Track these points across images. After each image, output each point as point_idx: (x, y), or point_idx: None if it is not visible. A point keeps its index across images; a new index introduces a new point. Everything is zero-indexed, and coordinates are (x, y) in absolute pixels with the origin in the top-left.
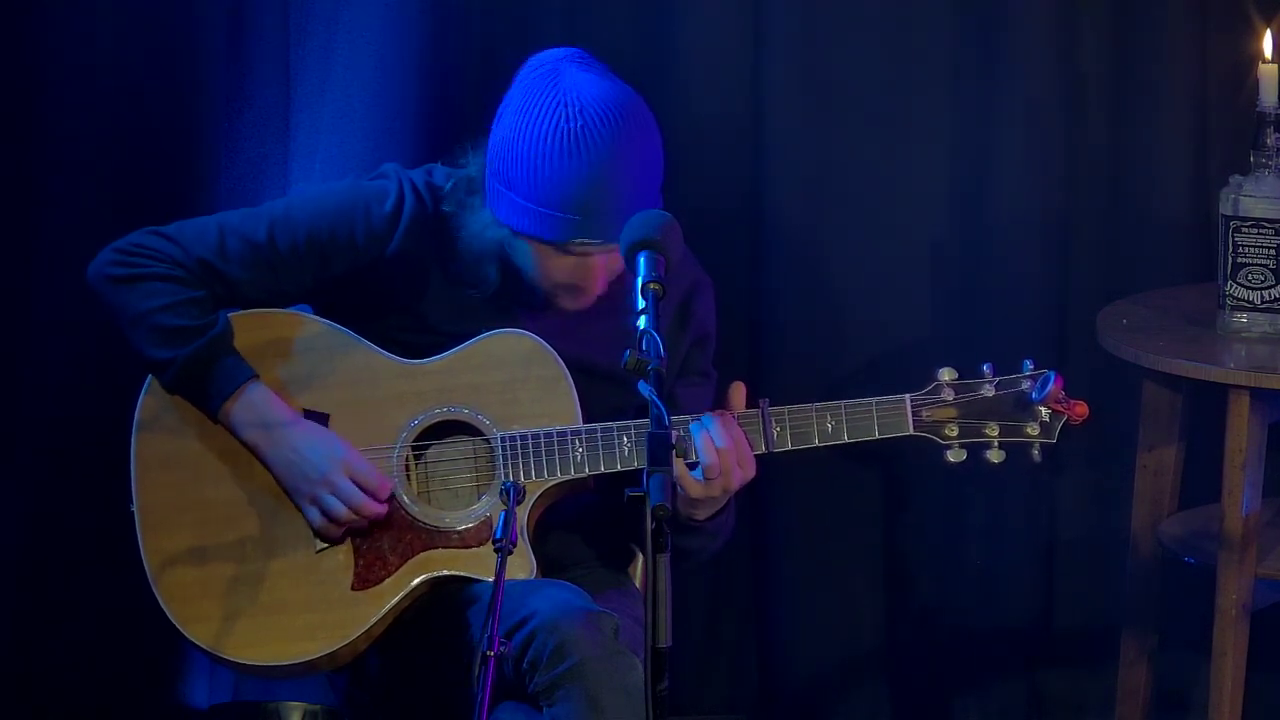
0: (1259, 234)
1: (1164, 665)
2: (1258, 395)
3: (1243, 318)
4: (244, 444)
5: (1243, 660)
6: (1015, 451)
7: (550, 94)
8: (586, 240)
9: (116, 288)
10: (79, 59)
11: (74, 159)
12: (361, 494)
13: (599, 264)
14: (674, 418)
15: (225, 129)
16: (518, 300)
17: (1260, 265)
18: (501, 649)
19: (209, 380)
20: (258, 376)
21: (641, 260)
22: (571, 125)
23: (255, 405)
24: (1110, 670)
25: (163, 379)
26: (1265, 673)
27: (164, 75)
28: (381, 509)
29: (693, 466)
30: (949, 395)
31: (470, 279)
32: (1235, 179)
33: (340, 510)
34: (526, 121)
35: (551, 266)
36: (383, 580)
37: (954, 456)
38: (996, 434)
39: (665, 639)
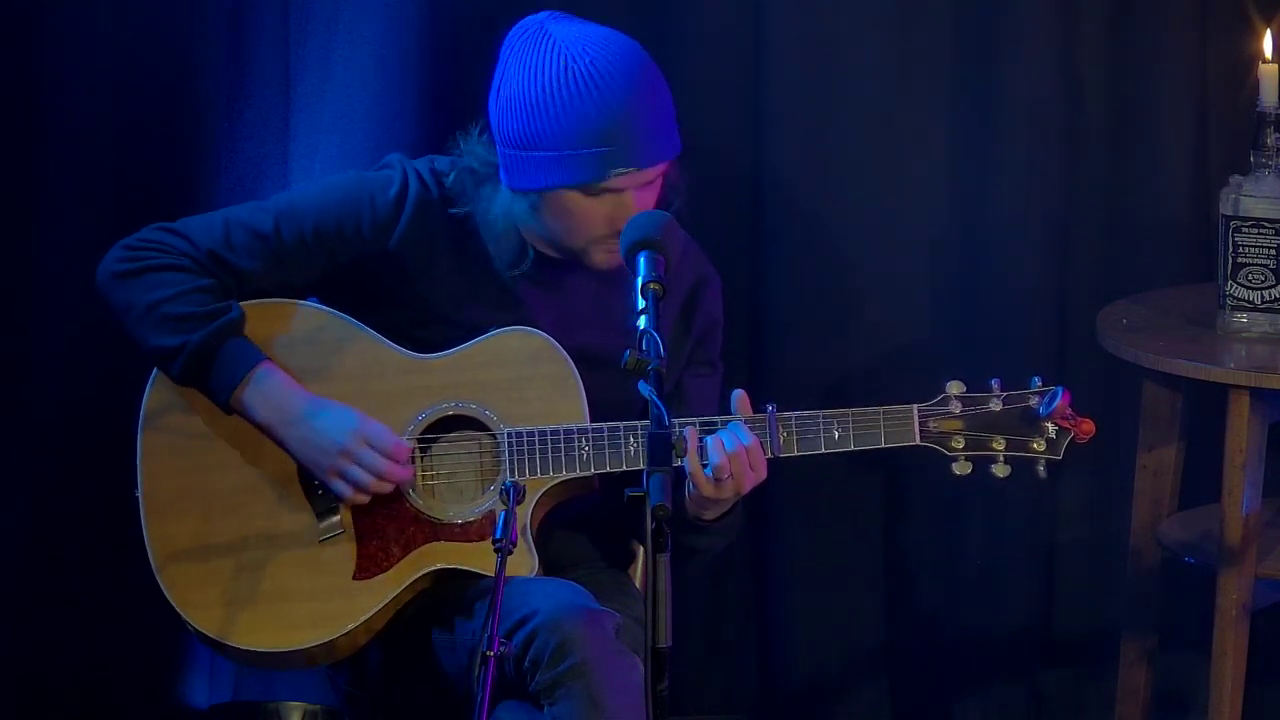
0: (1259, 234)
1: (1164, 666)
2: (1258, 395)
3: (1243, 318)
4: (259, 427)
5: (1243, 660)
6: (1021, 467)
7: (547, 47)
8: (623, 169)
9: (124, 282)
10: (79, 59)
11: (74, 159)
12: (383, 460)
13: (633, 204)
14: (683, 418)
15: (225, 129)
16: (541, 279)
17: (1260, 265)
18: (502, 648)
19: (218, 366)
20: (268, 360)
21: (641, 260)
22: (579, 64)
23: (267, 388)
24: (1110, 671)
25: (171, 368)
26: (1265, 673)
27: (164, 75)
28: (406, 472)
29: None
30: (956, 408)
31: (507, 261)
32: (1235, 179)
33: (365, 479)
34: (532, 78)
35: (589, 217)
36: (384, 571)
37: (959, 469)
38: (1002, 448)
39: (665, 639)
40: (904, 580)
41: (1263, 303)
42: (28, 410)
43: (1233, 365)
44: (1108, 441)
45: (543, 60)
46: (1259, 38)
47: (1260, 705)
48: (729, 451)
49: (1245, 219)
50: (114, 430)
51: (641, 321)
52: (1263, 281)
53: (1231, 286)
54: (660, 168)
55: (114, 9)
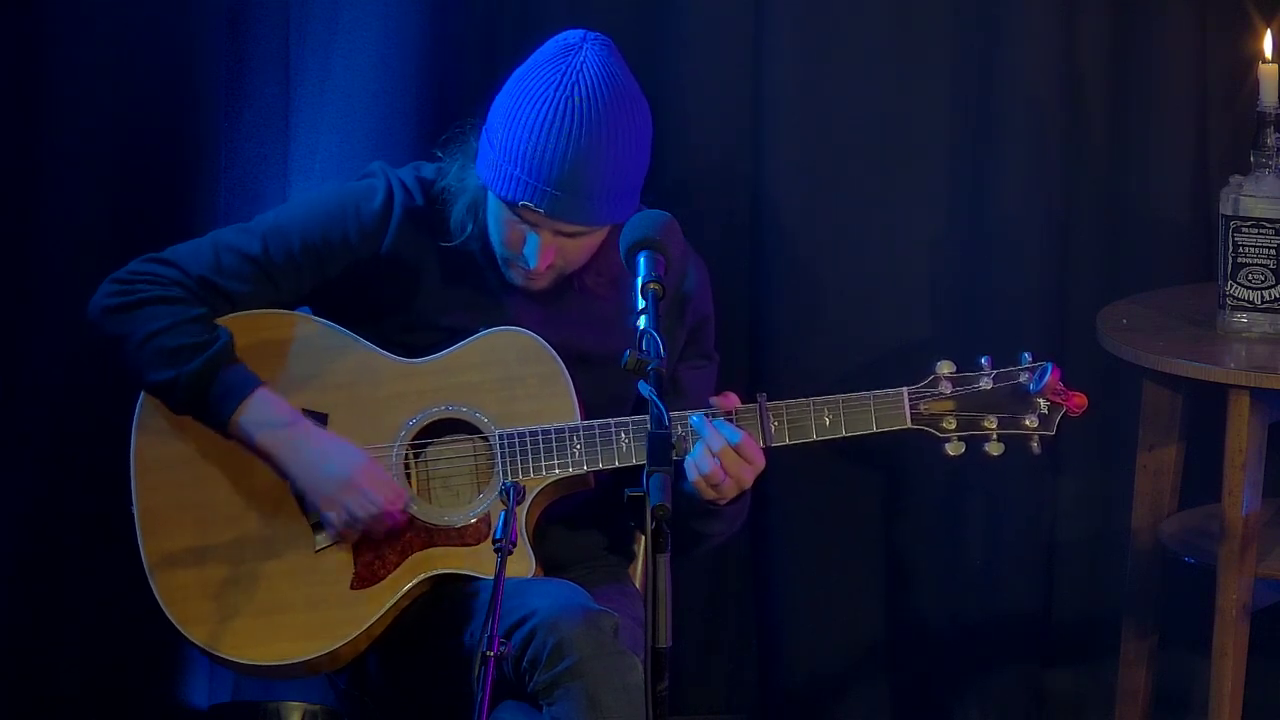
0: (1259, 234)
1: (1164, 665)
2: (1258, 395)
3: (1243, 318)
4: (258, 451)
5: (1243, 660)
6: (1014, 444)
7: (566, 64)
8: (531, 205)
9: (116, 316)
10: (79, 59)
11: (74, 160)
12: (384, 499)
13: (542, 243)
14: (676, 413)
15: (225, 129)
16: (489, 266)
17: (1260, 265)
18: (501, 649)
19: (215, 393)
20: (264, 384)
21: (641, 260)
22: (569, 95)
23: (266, 412)
24: (1110, 670)
25: (170, 400)
26: (1265, 673)
27: (164, 75)
28: (403, 518)
29: None
30: (946, 388)
31: (454, 228)
32: (1235, 179)
33: (361, 513)
34: (527, 77)
35: (506, 232)
36: (382, 579)
37: (952, 449)
38: (994, 426)
39: (665, 639)
40: (904, 580)
41: (1263, 303)
42: (28, 410)
43: (1233, 365)
44: (1108, 441)
45: (552, 72)
46: (1259, 38)
47: (1260, 705)
48: (716, 452)
49: (1245, 219)
50: (113, 431)
51: (641, 321)
52: (1263, 281)
53: (1231, 286)
54: (578, 228)
55: (114, 9)
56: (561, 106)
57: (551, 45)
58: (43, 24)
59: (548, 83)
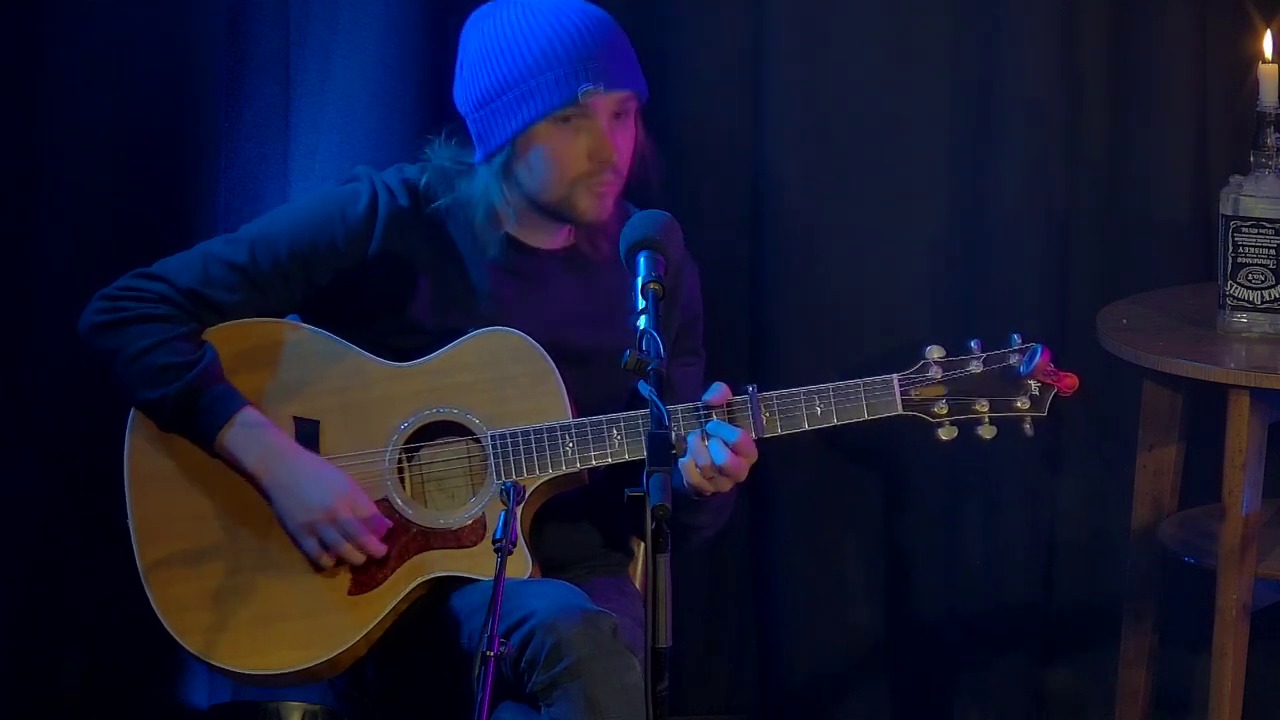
0: (1259, 234)
1: (1164, 665)
2: (1258, 395)
3: (1243, 318)
4: (244, 473)
5: (1243, 660)
6: (1007, 427)
7: (503, 5)
8: (590, 86)
9: (105, 333)
10: (79, 59)
11: (74, 160)
12: (363, 528)
13: (608, 136)
14: (672, 406)
15: (225, 129)
16: (520, 274)
17: (1260, 265)
18: (501, 649)
19: (201, 412)
20: (251, 404)
21: (641, 260)
22: (528, 5)
23: (252, 432)
24: (1110, 670)
25: (159, 419)
26: (1265, 673)
27: (164, 75)
28: (380, 548)
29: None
30: (937, 373)
31: (483, 244)
32: (1235, 179)
33: (340, 543)
34: (493, 30)
35: (566, 153)
36: (380, 584)
37: (945, 434)
38: (986, 410)
39: (665, 639)
40: (904, 581)
41: (1263, 303)
42: (28, 411)
43: (1233, 365)
44: (1108, 441)
45: (501, 15)
46: (1259, 38)
47: (1260, 705)
48: (720, 466)
49: (1245, 219)
50: (113, 432)
51: (641, 321)
52: (1263, 281)
53: (1231, 286)
54: (629, 99)
55: (114, 9)
56: (543, 6)
57: (476, 14)
58: (43, 24)
59: (509, 13)
